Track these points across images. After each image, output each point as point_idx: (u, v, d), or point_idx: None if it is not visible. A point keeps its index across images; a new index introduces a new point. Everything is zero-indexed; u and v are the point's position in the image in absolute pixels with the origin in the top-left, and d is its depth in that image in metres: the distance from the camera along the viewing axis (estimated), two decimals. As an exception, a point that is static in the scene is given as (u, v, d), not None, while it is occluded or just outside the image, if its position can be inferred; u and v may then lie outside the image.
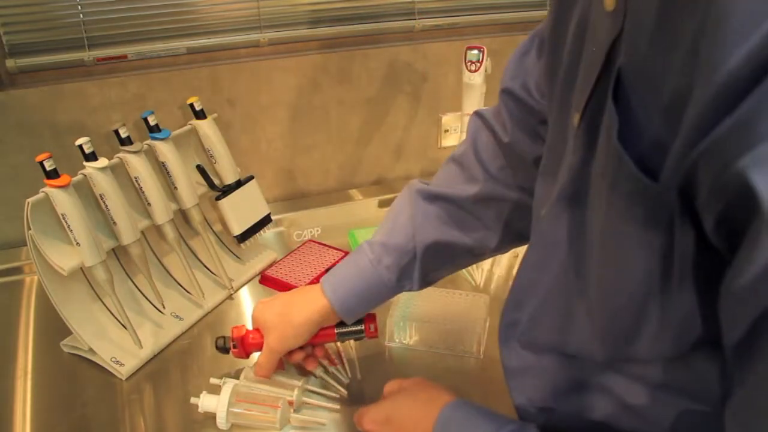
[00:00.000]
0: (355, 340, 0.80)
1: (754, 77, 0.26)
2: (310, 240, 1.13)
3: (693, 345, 0.35)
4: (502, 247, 0.70)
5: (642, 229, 0.34)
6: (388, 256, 0.68)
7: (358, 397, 0.79)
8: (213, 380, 0.77)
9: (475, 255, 0.71)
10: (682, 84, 0.29)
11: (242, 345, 0.77)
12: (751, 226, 0.26)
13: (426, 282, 0.72)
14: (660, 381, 0.39)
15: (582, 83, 0.40)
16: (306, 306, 0.71)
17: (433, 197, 0.69)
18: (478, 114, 0.70)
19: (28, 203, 0.76)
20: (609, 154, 0.35)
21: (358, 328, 0.75)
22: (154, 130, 0.90)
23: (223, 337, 0.79)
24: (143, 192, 0.87)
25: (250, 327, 0.78)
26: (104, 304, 0.88)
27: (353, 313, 0.72)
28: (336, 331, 0.75)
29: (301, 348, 0.76)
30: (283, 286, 1.00)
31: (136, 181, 0.87)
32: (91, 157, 0.81)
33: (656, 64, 0.31)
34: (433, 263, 0.69)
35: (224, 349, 0.78)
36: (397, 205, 0.72)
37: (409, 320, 0.86)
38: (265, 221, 1.05)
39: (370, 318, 0.76)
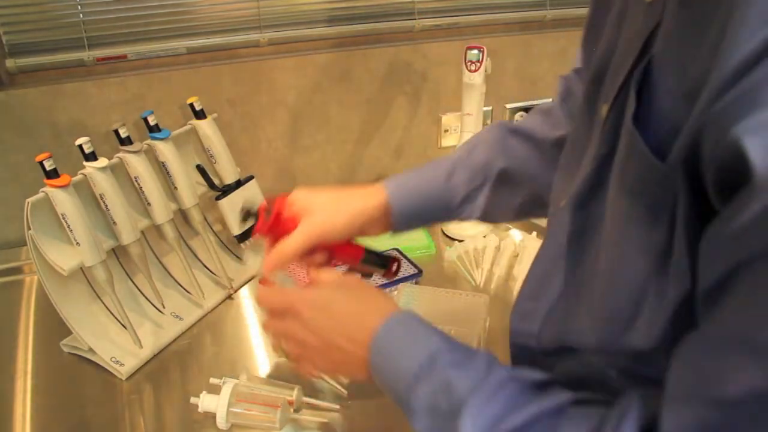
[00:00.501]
0: (375, 270, 0.70)
1: (765, 55, 0.28)
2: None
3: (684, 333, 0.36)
4: None
5: (647, 212, 0.35)
6: (461, 172, 0.66)
7: (358, 397, 0.79)
8: (213, 380, 0.77)
9: (538, 204, 0.67)
10: (704, 71, 0.31)
11: (276, 219, 0.62)
12: (743, 187, 0.28)
13: (485, 214, 0.67)
14: (650, 376, 0.40)
15: (614, 74, 0.41)
16: (363, 198, 0.64)
17: (515, 131, 0.67)
18: (565, 76, 0.69)
19: (28, 203, 0.76)
20: (624, 138, 0.36)
21: (384, 261, 0.69)
22: (154, 130, 0.90)
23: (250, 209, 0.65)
24: (143, 192, 0.87)
25: None
26: (104, 304, 0.88)
27: (406, 220, 0.66)
28: (364, 252, 0.68)
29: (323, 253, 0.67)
30: (283, 286, 1.00)
31: (136, 181, 0.87)
32: (91, 157, 0.81)
33: (685, 54, 0.33)
34: (500, 194, 0.66)
35: (251, 216, 0.64)
36: (478, 134, 0.70)
37: (409, 320, 0.85)
38: (265, 221, 1.05)
39: (396, 260, 0.71)
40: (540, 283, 0.52)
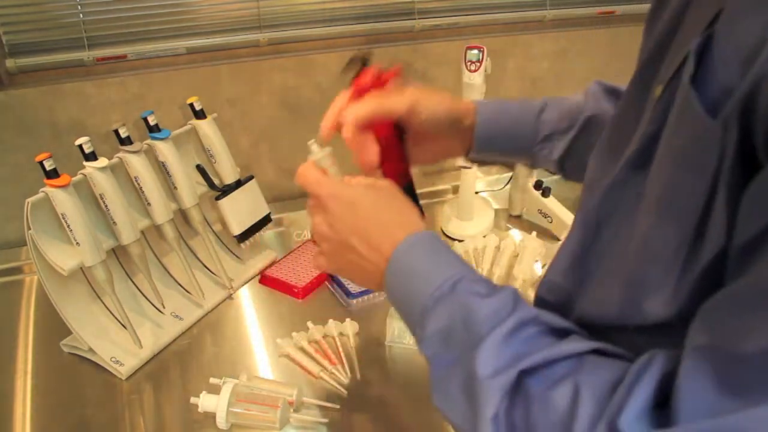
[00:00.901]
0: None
1: None
2: (310, 240, 1.13)
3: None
4: None
5: (692, 174, 0.35)
6: (552, 110, 0.66)
7: (358, 397, 0.79)
8: (213, 380, 0.77)
9: None
10: (761, 40, 0.31)
11: (378, 78, 0.62)
12: None
13: (562, 159, 0.66)
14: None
15: (674, 55, 0.41)
16: (451, 99, 0.63)
17: (609, 88, 0.68)
18: None
19: (28, 203, 0.76)
20: (678, 101, 0.36)
21: (418, 205, 0.62)
22: (154, 129, 0.90)
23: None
24: (143, 192, 0.87)
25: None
26: (104, 304, 0.88)
27: (487, 140, 0.64)
28: (411, 181, 0.64)
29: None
30: (283, 286, 1.00)
31: (136, 181, 0.87)
32: (91, 157, 0.81)
33: (747, 26, 0.33)
34: (582, 142, 0.66)
35: (360, 62, 0.63)
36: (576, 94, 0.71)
37: (409, 320, 0.86)
38: (265, 221, 1.05)
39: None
40: (570, 258, 0.51)
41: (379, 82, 0.61)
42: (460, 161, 0.70)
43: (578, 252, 0.50)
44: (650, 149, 0.41)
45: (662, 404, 0.34)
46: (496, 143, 0.66)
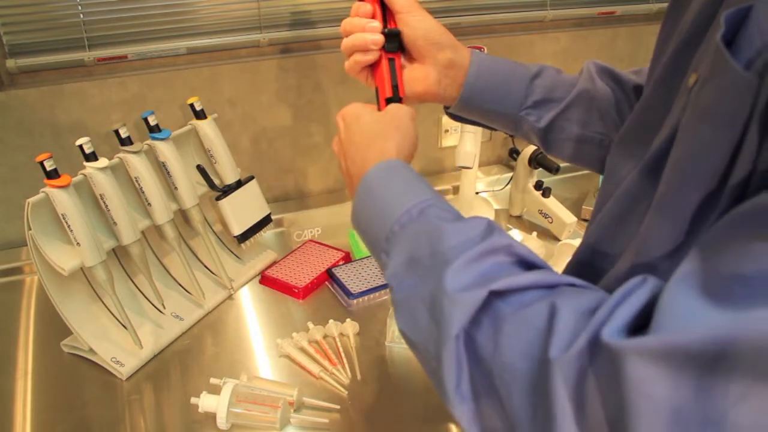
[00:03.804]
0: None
1: None
2: (310, 240, 1.13)
3: None
4: None
5: (720, 129, 0.34)
6: (545, 79, 0.65)
7: (358, 397, 0.79)
8: (213, 380, 0.77)
9: (595, 145, 0.66)
10: None
11: None
12: None
13: (547, 130, 0.65)
14: None
15: (708, 43, 0.41)
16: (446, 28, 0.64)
17: (603, 67, 0.68)
18: None
19: (29, 203, 0.76)
20: (708, 60, 0.36)
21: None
22: (154, 130, 0.90)
23: None
24: (143, 192, 0.87)
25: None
26: (104, 304, 0.88)
27: (477, 89, 0.64)
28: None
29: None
30: (283, 287, 1.00)
31: (137, 181, 0.87)
32: (92, 157, 0.81)
33: None
34: (570, 115, 0.65)
35: None
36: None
37: (409, 320, 0.86)
38: (265, 221, 1.05)
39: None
40: (595, 247, 0.51)
41: None
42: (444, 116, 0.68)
43: (604, 238, 0.49)
44: None
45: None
46: (484, 97, 0.64)
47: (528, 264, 0.41)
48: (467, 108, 0.66)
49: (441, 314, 0.38)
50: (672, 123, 0.42)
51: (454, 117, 0.69)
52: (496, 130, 0.70)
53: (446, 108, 0.68)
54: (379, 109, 0.61)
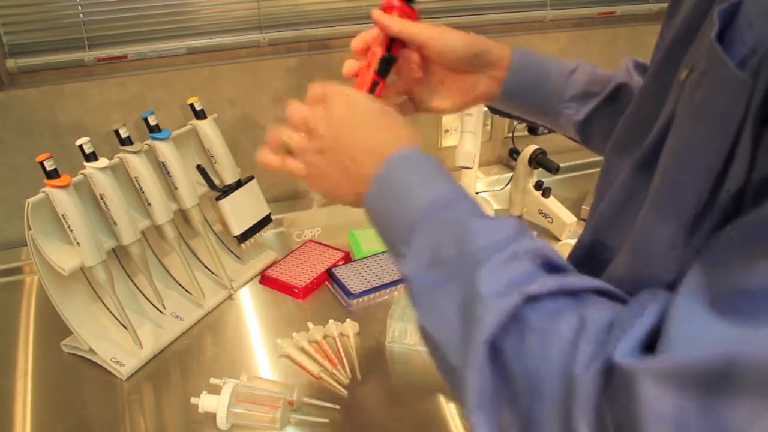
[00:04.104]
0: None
1: None
2: (310, 240, 1.13)
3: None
4: None
5: (714, 126, 0.34)
6: (583, 73, 0.66)
7: (358, 397, 0.79)
8: (213, 380, 0.77)
9: None
10: None
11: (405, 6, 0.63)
12: None
13: (586, 123, 0.65)
14: None
15: (701, 39, 0.41)
16: (476, 35, 0.64)
17: (640, 65, 0.68)
18: None
19: (29, 203, 0.76)
20: (702, 58, 0.36)
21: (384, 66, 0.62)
22: (154, 130, 0.90)
23: None
24: (143, 192, 0.87)
25: None
26: (104, 304, 0.88)
27: (518, 83, 0.64)
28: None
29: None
30: (283, 287, 1.00)
31: (137, 181, 0.87)
32: (92, 157, 0.81)
33: None
34: (607, 109, 0.66)
35: None
36: None
37: (409, 320, 0.86)
38: (266, 221, 1.05)
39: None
40: (592, 243, 0.51)
41: (404, 15, 0.63)
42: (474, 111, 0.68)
43: (600, 234, 0.49)
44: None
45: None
46: (524, 91, 0.65)
47: (556, 267, 0.40)
48: (508, 102, 0.66)
49: (473, 317, 0.37)
50: (665, 117, 0.42)
51: (494, 110, 0.69)
52: (536, 124, 0.70)
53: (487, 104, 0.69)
54: None
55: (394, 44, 0.63)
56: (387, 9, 0.63)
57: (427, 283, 0.42)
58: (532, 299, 0.37)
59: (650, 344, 0.32)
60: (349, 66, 0.63)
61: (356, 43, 0.63)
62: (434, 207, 0.43)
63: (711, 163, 0.35)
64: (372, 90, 0.62)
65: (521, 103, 0.66)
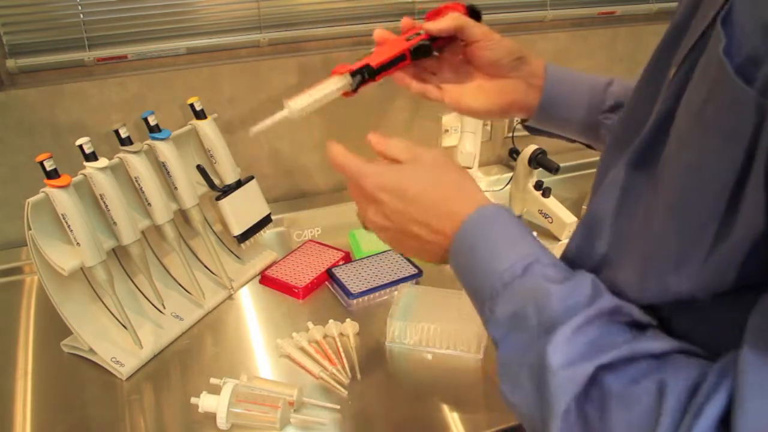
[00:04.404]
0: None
1: None
2: (310, 240, 1.13)
3: (731, 284, 0.36)
4: None
5: (725, 142, 0.34)
6: (618, 85, 0.66)
7: (358, 397, 0.79)
8: (213, 380, 0.77)
9: None
10: None
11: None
12: None
13: None
14: (681, 330, 0.40)
15: (691, 35, 0.41)
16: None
17: None
18: None
19: (28, 203, 0.76)
20: (707, 74, 0.36)
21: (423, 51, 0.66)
22: (154, 130, 0.90)
23: None
24: (143, 192, 0.87)
25: None
26: (104, 304, 0.88)
27: (555, 99, 0.65)
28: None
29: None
30: (283, 286, 1.00)
31: (136, 181, 0.87)
32: (91, 157, 0.81)
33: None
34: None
35: None
36: None
37: (409, 320, 0.86)
38: (265, 221, 1.05)
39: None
40: (587, 240, 0.51)
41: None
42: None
43: (594, 233, 0.49)
44: (662, 128, 0.41)
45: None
46: (562, 102, 0.65)
47: (636, 324, 0.40)
48: (546, 116, 0.67)
49: (546, 389, 0.38)
50: (656, 114, 0.43)
51: (531, 129, 0.70)
52: (573, 141, 0.70)
53: (523, 121, 0.69)
54: (353, 70, 0.62)
55: (438, 39, 0.66)
56: (450, 8, 0.68)
57: (510, 347, 0.42)
58: (608, 366, 0.37)
59: (728, 417, 0.31)
60: (380, 34, 0.66)
61: (405, 21, 0.67)
62: (512, 274, 0.44)
63: (722, 180, 0.35)
64: (394, 61, 0.64)
65: (559, 114, 0.66)
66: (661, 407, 0.34)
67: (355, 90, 0.63)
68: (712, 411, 0.32)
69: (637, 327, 0.41)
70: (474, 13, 0.67)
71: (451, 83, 0.68)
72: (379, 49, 0.65)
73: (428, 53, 0.65)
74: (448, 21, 0.64)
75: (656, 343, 0.38)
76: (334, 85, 0.62)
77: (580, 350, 0.38)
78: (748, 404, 0.30)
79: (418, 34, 0.66)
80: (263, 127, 0.60)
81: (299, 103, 0.62)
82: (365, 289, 0.97)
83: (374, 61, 0.63)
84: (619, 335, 0.39)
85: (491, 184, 1.32)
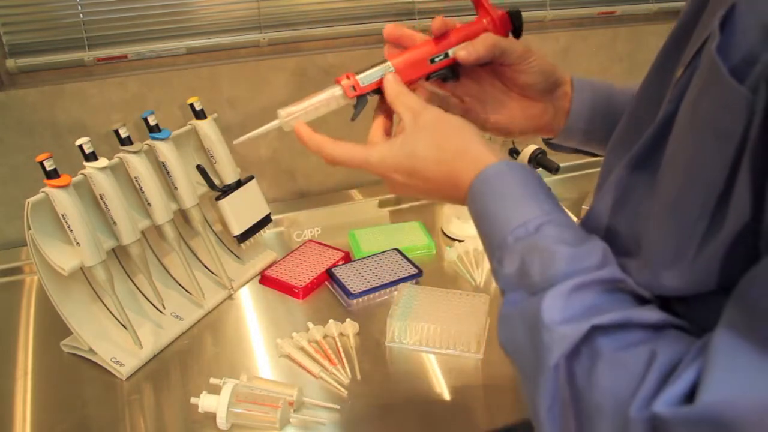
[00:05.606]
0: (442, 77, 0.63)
1: None
2: (310, 240, 1.13)
3: (715, 284, 0.36)
4: None
5: (718, 140, 0.35)
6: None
7: (358, 397, 0.79)
8: (213, 380, 0.77)
9: None
10: None
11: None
12: None
13: None
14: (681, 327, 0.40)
15: (697, 36, 0.41)
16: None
17: None
18: None
19: (28, 203, 0.76)
20: (702, 73, 0.36)
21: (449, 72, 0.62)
22: (154, 130, 0.90)
23: None
24: (143, 192, 0.87)
25: None
26: (104, 304, 0.88)
27: (585, 109, 0.63)
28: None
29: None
30: (283, 286, 1.00)
31: (136, 181, 0.87)
32: (91, 157, 0.81)
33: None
34: None
35: None
36: None
37: (409, 320, 0.86)
38: (265, 221, 1.05)
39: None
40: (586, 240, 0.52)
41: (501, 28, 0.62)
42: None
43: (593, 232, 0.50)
44: (665, 130, 0.41)
45: None
46: (588, 119, 0.64)
47: (637, 297, 0.41)
48: (571, 133, 0.65)
49: (540, 342, 0.38)
50: (661, 116, 0.43)
51: (554, 146, 0.68)
52: (595, 155, 0.69)
53: (547, 139, 0.67)
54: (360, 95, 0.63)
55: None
56: (482, 19, 0.63)
57: (512, 301, 0.43)
58: (606, 327, 0.37)
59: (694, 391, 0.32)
60: (392, 32, 0.64)
61: (437, 23, 0.63)
62: (527, 229, 0.44)
63: (714, 178, 0.35)
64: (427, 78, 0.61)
65: (585, 130, 0.64)
66: (645, 377, 0.34)
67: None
68: (681, 384, 0.32)
69: (638, 300, 0.41)
70: (515, 19, 0.61)
71: (471, 95, 0.64)
72: (392, 52, 0.61)
73: (455, 77, 0.61)
74: (483, 49, 0.59)
75: (653, 314, 0.39)
76: (335, 103, 0.64)
77: (577, 309, 0.38)
78: (710, 377, 0.31)
79: (446, 55, 0.61)
80: (252, 136, 0.60)
81: (292, 114, 0.63)
82: (365, 289, 0.97)
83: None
84: (618, 302, 0.40)
85: (491, 184, 1.32)
